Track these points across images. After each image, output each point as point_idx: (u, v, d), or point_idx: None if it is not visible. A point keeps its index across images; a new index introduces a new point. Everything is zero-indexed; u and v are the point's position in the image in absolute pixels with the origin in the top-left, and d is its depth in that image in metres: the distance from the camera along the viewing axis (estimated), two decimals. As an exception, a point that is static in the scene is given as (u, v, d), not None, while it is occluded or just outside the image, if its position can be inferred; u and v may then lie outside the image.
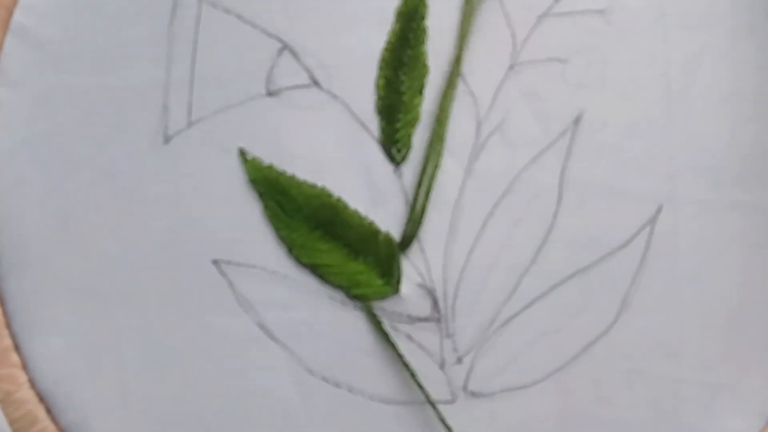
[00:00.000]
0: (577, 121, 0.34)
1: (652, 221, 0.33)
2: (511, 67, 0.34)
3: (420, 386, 0.32)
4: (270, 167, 0.33)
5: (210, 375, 0.33)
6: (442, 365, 0.33)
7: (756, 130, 0.34)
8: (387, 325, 0.33)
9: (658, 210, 0.33)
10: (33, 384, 0.33)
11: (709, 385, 0.33)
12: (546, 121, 0.34)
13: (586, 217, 0.33)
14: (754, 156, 0.33)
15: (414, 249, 0.33)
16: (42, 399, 0.33)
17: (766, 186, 0.33)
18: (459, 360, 0.33)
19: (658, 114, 0.34)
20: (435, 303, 0.33)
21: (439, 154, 0.33)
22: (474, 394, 0.33)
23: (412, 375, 0.32)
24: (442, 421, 0.32)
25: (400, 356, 0.32)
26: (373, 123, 0.34)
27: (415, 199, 0.33)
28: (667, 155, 0.33)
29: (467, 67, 0.34)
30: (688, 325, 0.33)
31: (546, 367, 0.33)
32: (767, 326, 0.33)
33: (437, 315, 0.33)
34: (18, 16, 0.34)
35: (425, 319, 0.33)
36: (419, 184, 0.33)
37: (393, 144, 0.33)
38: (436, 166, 0.33)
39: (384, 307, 0.33)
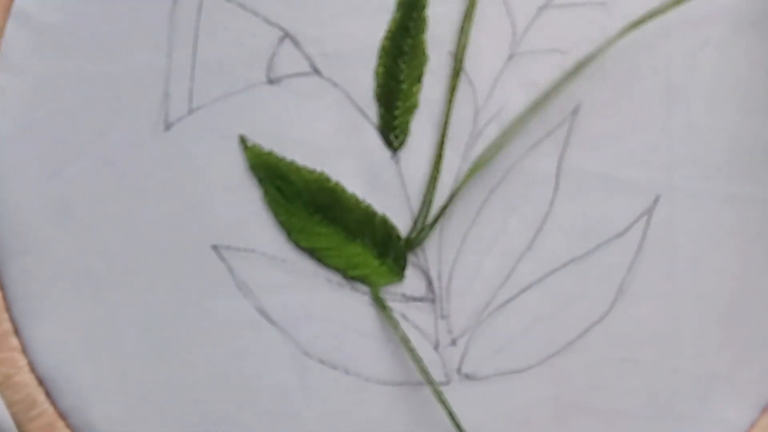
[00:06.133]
0: (575, 111, 0.34)
1: (650, 211, 0.33)
2: (511, 57, 0.34)
3: (422, 369, 0.32)
4: (270, 153, 0.33)
5: (208, 359, 0.33)
6: (436, 346, 0.33)
7: (755, 123, 0.33)
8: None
9: (656, 200, 0.33)
10: (32, 367, 0.33)
11: (704, 375, 0.33)
12: (544, 111, 0.34)
13: (582, 206, 0.33)
14: (752, 149, 0.33)
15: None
16: (41, 382, 0.33)
17: (764, 179, 0.33)
18: (453, 342, 0.33)
19: (657, 106, 0.33)
20: (429, 283, 0.33)
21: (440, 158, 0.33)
22: (468, 377, 0.33)
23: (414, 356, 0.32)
24: (443, 402, 0.32)
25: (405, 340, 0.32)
26: (372, 110, 0.34)
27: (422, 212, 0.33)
28: (665, 146, 0.33)
29: (467, 56, 0.34)
30: (684, 315, 0.33)
31: (541, 353, 0.33)
32: (762, 317, 0.33)
33: (432, 295, 0.33)
34: (19, 1, 0.34)
35: (420, 299, 0.33)
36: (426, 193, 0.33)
37: (391, 130, 0.34)
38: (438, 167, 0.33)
39: None
